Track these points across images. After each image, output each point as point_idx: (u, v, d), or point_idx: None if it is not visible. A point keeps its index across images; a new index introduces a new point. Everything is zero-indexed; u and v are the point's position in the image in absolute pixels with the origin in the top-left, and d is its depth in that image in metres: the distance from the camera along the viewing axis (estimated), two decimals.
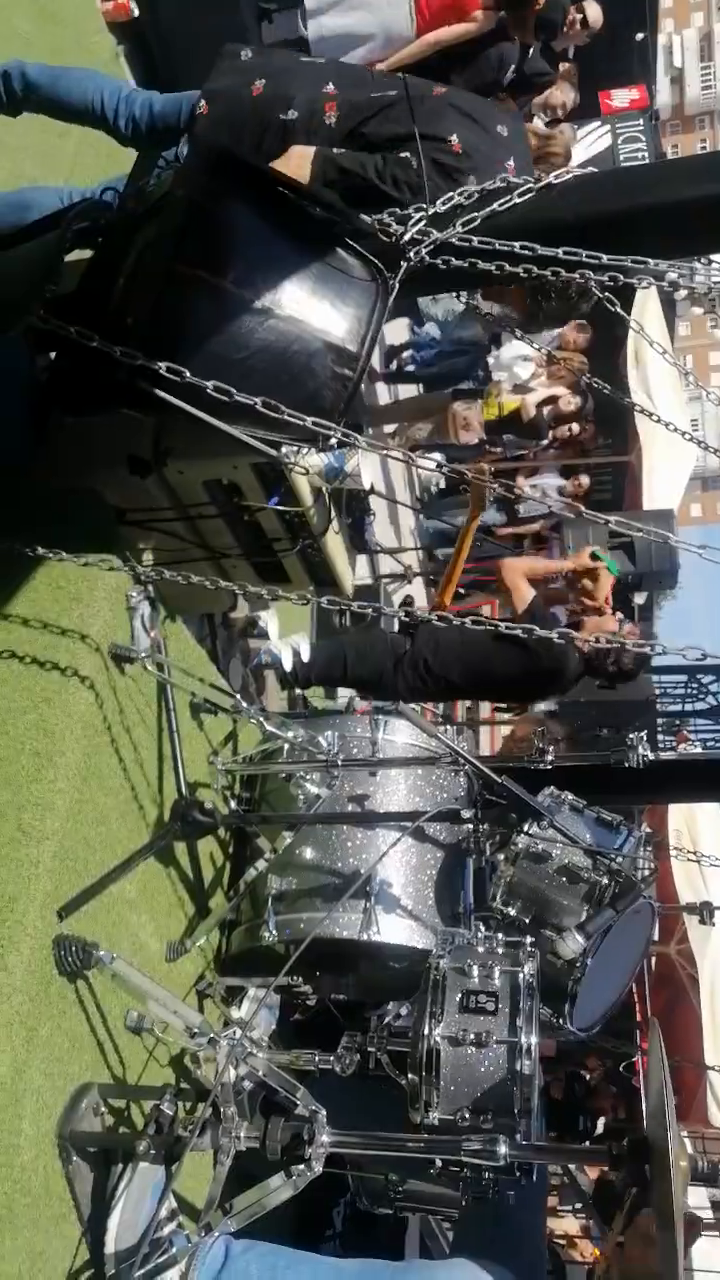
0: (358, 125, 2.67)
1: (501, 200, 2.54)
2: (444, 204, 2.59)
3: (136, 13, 3.48)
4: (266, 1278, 2.04)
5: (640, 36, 8.23)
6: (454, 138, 2.63)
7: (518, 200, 2.54)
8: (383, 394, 7.61)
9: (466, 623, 2.10)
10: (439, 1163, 2.13)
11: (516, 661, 3.82)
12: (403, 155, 2.61)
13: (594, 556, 4.22)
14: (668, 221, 2.50)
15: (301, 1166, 2.03)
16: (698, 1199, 5.98)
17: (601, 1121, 7.22)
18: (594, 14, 4.53)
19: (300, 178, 2.54)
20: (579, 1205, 6.77)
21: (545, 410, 7.26)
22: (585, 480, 7.61)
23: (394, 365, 7.48)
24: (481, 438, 6.89)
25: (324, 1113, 2.09)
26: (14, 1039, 1.99)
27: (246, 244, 2.30)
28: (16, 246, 2.49)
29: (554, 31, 4.24)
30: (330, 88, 2.70)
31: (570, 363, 6.12)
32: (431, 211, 2.55)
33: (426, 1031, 2.25)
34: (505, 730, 8.20)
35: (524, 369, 7.32)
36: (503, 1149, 2.02)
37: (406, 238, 2.55)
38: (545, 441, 7.40)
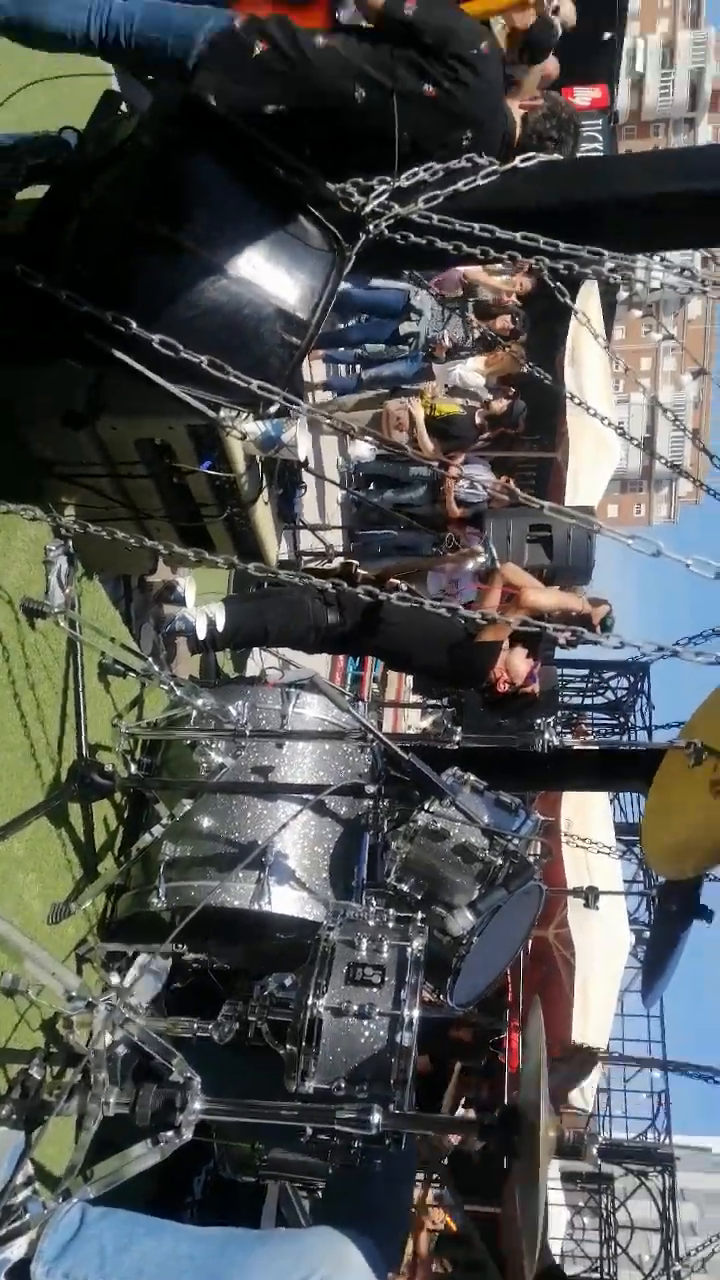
0: None
1: (466, 180, 2.53)
2: (408, 179, 2.56)
3: None
4: (121, 1245, 2.00)
5: (608, 36, 8.26)
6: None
7: (481, 181, 2.53)
8: (320, 395, 7.51)
9: (393, 599, 2.08)
10: (309, 1130, 2.16)
11: (447, 651, 3.92)
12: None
13: (604, 622, 4.42)
14: (628, 214, 2.53)
15: (170, 1133, 2.03)
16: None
17: (462, 1100, 7.45)
18: (568, 12, 4.51)
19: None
20: (434, 1175, 6.99)
21: (477, 414, 7.33)
22: (512, 483, 7.72)
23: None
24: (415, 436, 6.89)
25: (199, 1080, 2.09)
26: None
27: (208, 200, 2.24)
28: None
29: (543, 54, 4.19)
30: None
31: (511, 350, 6.16)
32: (395, 185, 2.53)
33: (310, 1001, 2.28)
34: (411, 718, 8.29)
35: (465, 371, 7.36)
36: (376, 1118, 2.05)
37: (368, 209, 2.52)
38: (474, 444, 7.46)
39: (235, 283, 2.28)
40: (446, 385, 7.40)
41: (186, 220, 2.16)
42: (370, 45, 2.43)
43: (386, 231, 2.57)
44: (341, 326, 6.68)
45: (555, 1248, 8.02)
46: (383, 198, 2.55)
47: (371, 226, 2.55)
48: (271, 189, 2.36)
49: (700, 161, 2.78)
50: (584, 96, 8.08)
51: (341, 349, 6.89)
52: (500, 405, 7.46)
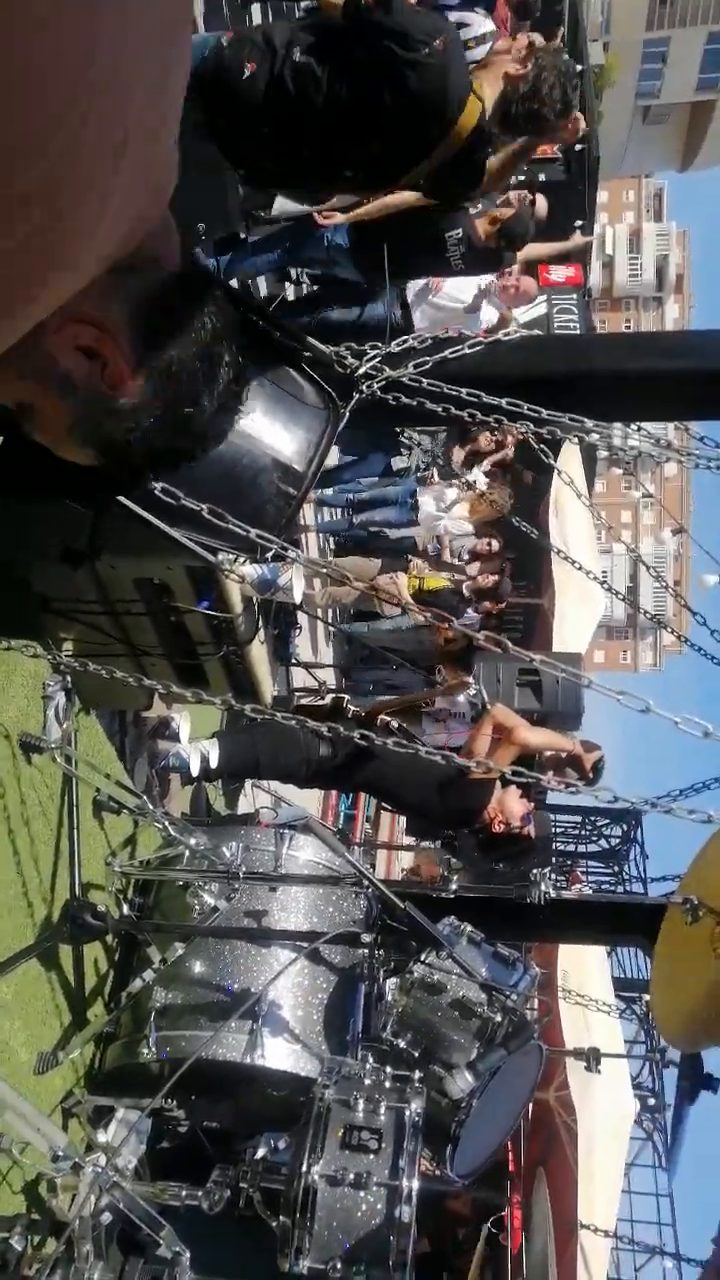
0: None
1: (453, 349, 2.71)
2: (399, 345, 2.74)
3: None
4: None
5: (579, 224, 8.99)
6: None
7: (468, 351, 2.70)
8: (312, 547, 7.72)
9: (389, 744, 2.10)
10: None
11: (439, 789, 3.92)
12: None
13: (596, 767, 4.44)
14: (604, 387, 2.70)
15: None
16: None
17: None
18: (541, 207, 5.01)
19: None
20: None
21: (464, 588, 7.55)
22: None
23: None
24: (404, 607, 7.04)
25: (188, 1256, 1.95)
26: None
27: None
28: None
29: (519, 243, 4.64)
30: None
31: (496, 501, 6.39)
32: (386, 350, 2.70)
33: (305, 1169, 2.15)
34: (405, 860, 8.11)
35: (450, 521, 7.62)
36: None
37: (360, 371, 2.68)
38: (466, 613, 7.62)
39: (234, 434, 2.40)
40: (434, 535, 7.62)
41: None
42: (338, 48, 2.58)
43: (379, 392, 2.72)
44: (334, 464, 6.95)
45: None
46: (375, 361, 2.72)
47: (364, 387, 2.70)
48: (268, 350, 2.52)
49: (671, 343, 2.99)
50: (560, 274, 8.71)
51: (333, 490, 7.13)
52: (487, 580, 7.66)
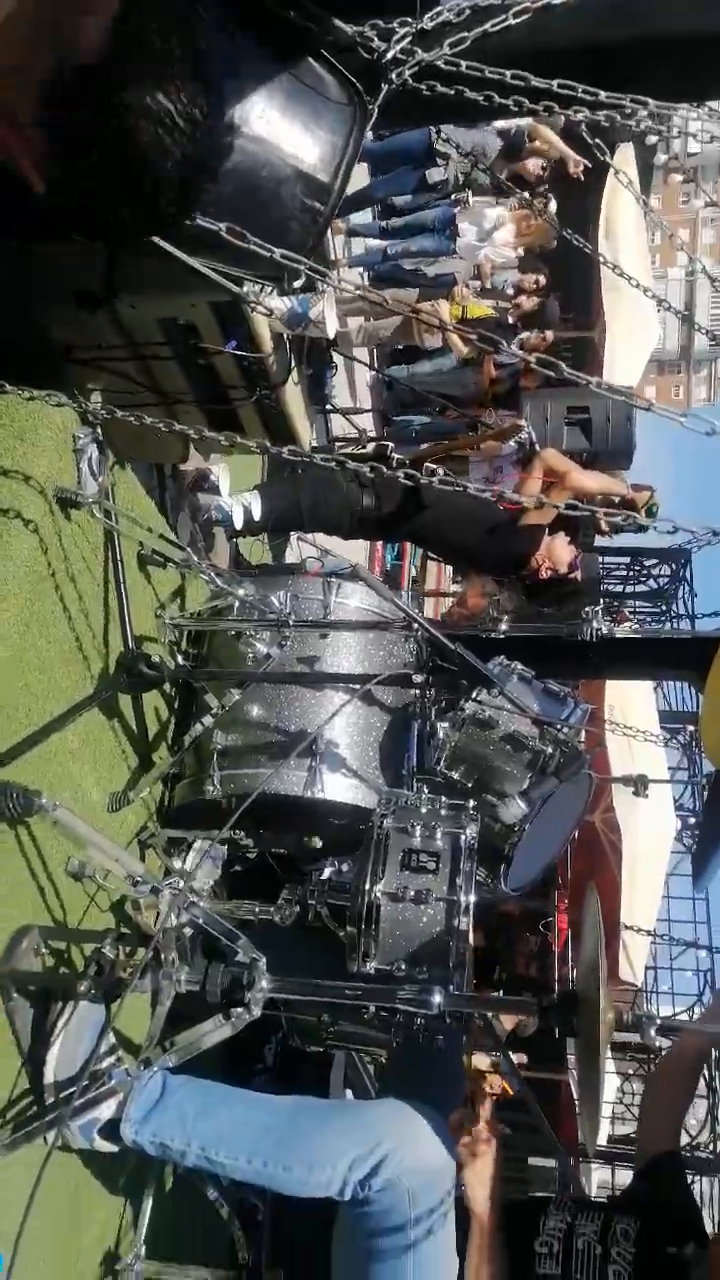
0: None
1: (495, 20, 2.32)
2: (431, 20, 2.36)
3: None
4: (200, 1111, 2.12)
5: None
6: None
7: (513, 21, 2.31)
8: (346, 273, 7.17)
9: (434, 482, 2.00)
10: (372, 1008, 2.21)
11: (488, 535, 3.86)
12: None
13: (649, 508, 4.27)
14: (679, 54, 2.30)
15: (240, 1009, 2.09)
16: None
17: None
18: None
19: None
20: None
21: (509, 315, 7.04)
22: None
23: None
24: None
25: (264, 960, 2.13)
26: None
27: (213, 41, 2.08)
28: None
29: None
30: None
31: (543, 214, 5.84)
32: (418, 27, 2.33)
33: (368, 887, 2.30)
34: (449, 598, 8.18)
35: (493, 250, 7.02)
36: (437, 998, 2.09)
37: (389, 56, 2.32)
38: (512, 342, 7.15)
39: (249, 140, 2.11)
40: (475, 266, 7.07)
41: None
42: None
43: (410, 81, 2.37)
44: (364, 184, 6.35)
45: (606, 1111, 8.32)
46: (405, 42, 2.35)
47: (394, 75, 2.36)
48: (283, 34, 2.17)
49: None
50: None
51: (368, 217, 6.56)
52: (531, 303, 7.14)
